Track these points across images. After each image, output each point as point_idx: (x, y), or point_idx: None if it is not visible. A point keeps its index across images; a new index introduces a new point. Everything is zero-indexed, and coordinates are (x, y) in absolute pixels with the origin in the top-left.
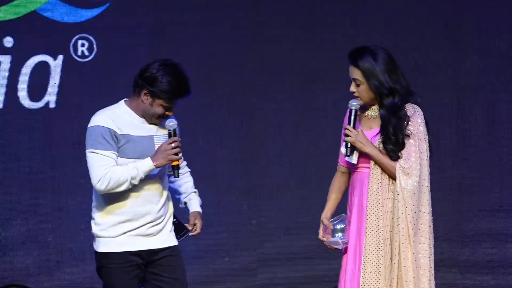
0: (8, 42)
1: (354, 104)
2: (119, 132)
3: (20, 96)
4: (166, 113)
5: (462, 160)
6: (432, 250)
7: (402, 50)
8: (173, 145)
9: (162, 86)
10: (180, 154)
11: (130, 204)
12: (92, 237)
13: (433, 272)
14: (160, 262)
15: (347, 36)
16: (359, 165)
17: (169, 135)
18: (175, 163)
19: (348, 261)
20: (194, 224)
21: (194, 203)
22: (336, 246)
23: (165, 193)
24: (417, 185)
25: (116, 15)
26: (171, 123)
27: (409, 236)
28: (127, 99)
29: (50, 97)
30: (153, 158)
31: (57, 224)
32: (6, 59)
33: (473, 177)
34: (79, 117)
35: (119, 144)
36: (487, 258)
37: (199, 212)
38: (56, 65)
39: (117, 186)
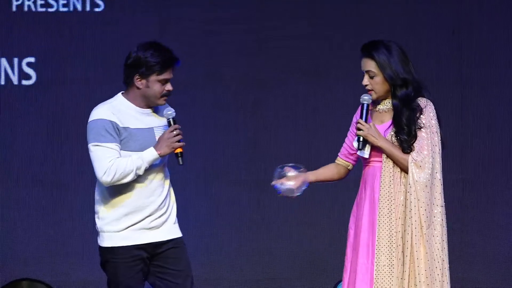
0: None
1: (366, 98)
2: (120, 124)
3: (26, 90)
4: (166, 89)
5: (466, 155)
6: (445, 243)
7: (407, 46)
8: (174, 132)
9: (148, 62)
10: (182, 141)
11: (135, 196)
12: (96, 232)
13: (446, 265)
14: (164, 254)
15: (351, 31)
16: (371, 159)
17: (169, 124)
18: (178, 150)
19: (359, 255)
20: None
21: None
22: (289, 194)
23: (167, 183)
24: (429, 177)
25: (121, 11)
26: (169, 111)
27: (421, 228)
28: (123, 91)
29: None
30: (156, 147)
31: (61, 218)
32: None
33: (477, 172)
34: (84, 112)
35: (121, 136)
36: (490, 253)
37: None
38: None
39: (123, 177)
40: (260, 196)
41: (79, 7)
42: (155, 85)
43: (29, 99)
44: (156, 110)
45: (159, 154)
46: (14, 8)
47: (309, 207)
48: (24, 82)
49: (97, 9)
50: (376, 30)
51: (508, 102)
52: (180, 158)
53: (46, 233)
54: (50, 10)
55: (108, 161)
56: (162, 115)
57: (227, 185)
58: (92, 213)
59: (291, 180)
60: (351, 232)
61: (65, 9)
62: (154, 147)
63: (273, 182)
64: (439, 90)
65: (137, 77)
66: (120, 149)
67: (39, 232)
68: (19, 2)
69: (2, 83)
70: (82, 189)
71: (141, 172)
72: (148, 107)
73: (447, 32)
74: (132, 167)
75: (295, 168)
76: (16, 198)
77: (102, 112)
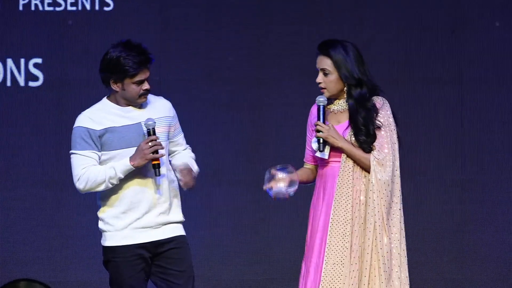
0: None
1: (321, 100)
2: (98, 127)
3: (33, 92)
4: (143, 88)
5: (464, 155)
6: (404, 239)
7: (407, 46)
8: (150, 144)
9: (120, 66)
10: (161, 151)
11: (129, 193)
12: (100, 233)
13: (405, 261)
14: (166, 254)
15: (351, 30)
16: (330, 159)
17: (148, 134)
18: (154, 162)
19: (313, 254)
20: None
21: (181, 157)
22: (281, 196)
23: (165, 182)
24: (391, 175)
25: (131, 10)
26: (149, 122)
27: (384, 226)
28: (108, 95)
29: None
30: (131, 157)
31: (60, 219)
32: None
33: (476, 172)
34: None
35: (102, 138)
36: (488, 253)
37: (186, 164)
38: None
39: (96, 186)
40: (260, 196)
41: (87, 6)
42: (130, 87)
43: (36, 101)
44: (144, 104)
45: (132, 165)
46: (20, 7)
47: (307, 208)
48: (31, 84)
49: (106, 8)
50: (376, 30)
51: (508, 102)
52: (156, 170)
53: (44, 234)
54: (58, 9)
55: (81, 168)
56: (151, 110)
57: (227, 185)
58: (90, 213)
59: (281, 182)
60: (308, 232)
61: (73, 8)
62: (130, 157)
63: (264, 187)
64: (438, 89)
65: (111, 81)
66: (107, 150)
67: (38, 232)
68: (25, 1)
69: (8, 84)
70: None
71: (115, 181)
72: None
73: (447, 32)
74: (104, 177)
75: (283, 169)
76: (16, 198)
77: (80, 119)
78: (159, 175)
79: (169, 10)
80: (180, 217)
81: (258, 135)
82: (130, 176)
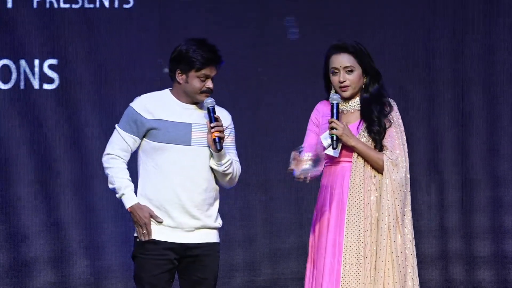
0: None
1: (335, 98)
2: (147, 116)
3: (49, 95)
4: (206, 86)
5: (467, 155)
6: (413, 241)
7: (409, 45)
8: (213, 129)
9: (189, 57)
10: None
11: (165, 191)
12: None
13: (415, 261)
14: (193, 259)
15: (352, 32)
16: (340, 158)
17: (208, 112)
18: (215, 135)
19: (327, 254)
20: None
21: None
22: (308, 176)
23: (205, 184)
24: (404, 176)
25: (152, 8)
26: (209, 100)
27: (398, 226)
28: (171, 88)
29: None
30: (133, 206)
31: (63, 219)
32: None
33: (478, 172)
34: (86, 113)
35: (149, 128)
36: (491, 253)
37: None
38: None
39: (108, 181)
40: (260, 196)
41: (106, 3)
42: (194, 80)
43: (51, 104)
44: (200, 107)
45: (128, 209)
46: (35, 5)
47: (309, 208)
48: (46, 86)
49: (126, 6)
50: (377, 31)
51: (509, 102)
52: (217, 143)
53: (46, 234)
54: (74, 6)
55: (113, 149)
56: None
57: None
58: (92, 213)
59: (306, 163)
60: (314, 232)
61: (91, 6)
62: (132, 204)
63: (289, 168)
64: (439, 90)
65: (178, 71)
66: (150, 139)
67: (39, 233)
68: None
69: (22, 87)
70: (81, 189)
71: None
72: (192, 102)
73: (448, 33)
74: (114, 186)
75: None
76: (18, 198)
77: (136, 101)
78: (220, 148)
79: (169, 11)
80: (216, 223)
81: (258, 135)
82: (170, 174)
